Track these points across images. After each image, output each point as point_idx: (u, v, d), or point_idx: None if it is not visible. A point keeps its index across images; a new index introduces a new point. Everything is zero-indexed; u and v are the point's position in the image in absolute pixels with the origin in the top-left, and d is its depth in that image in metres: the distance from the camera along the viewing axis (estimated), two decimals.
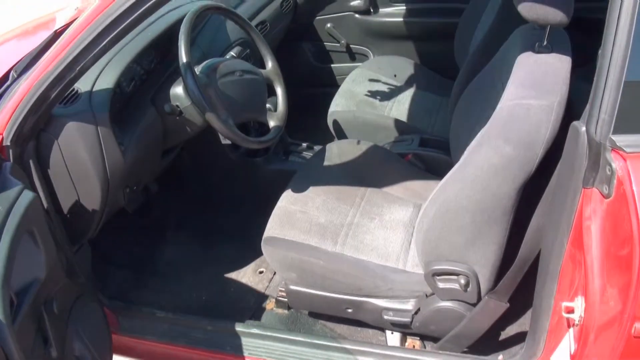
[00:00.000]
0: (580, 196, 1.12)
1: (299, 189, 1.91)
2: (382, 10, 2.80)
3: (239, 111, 1.75)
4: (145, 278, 2.24)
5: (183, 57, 1.61)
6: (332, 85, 3.07)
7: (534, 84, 1.28)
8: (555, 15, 1.22)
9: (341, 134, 2.42)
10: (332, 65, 3.07)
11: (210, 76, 1.69)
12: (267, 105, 2.05)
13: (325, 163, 2.05)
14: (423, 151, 2.11)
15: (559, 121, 1.26)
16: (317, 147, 2.45)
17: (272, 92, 1.97)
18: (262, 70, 1.92)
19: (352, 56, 3.01)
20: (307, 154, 2.42)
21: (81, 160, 1.59)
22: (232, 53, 2.01)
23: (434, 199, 1.44)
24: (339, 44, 2.96)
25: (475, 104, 1.76)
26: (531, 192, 1.36)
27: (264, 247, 1.75)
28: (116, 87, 1.70)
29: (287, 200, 1.87)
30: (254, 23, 2.43)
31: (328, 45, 3.01)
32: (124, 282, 2.23)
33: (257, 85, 1.84)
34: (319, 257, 1.67)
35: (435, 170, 2.07)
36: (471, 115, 1.76)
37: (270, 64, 1.96)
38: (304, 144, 2.47)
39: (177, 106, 1.74)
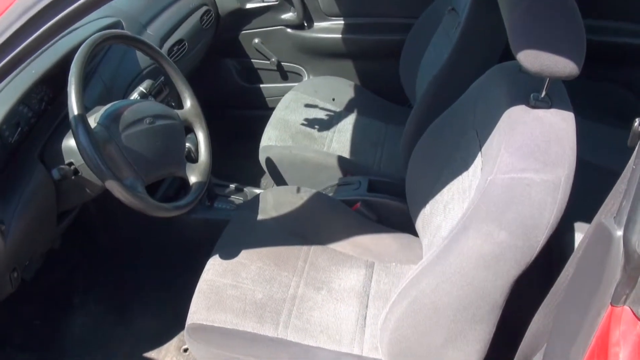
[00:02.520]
0: (605, 313, 0.87)
1: (228, 253, 1.61)
2: (317, 24, 2.51)
3: (151, 169, 1.43)
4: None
5: (74, 108, 1.27)
6: (262, 107, 2.78)
7: (534, 152, 1.03)
8: (565, 67, 0.98)
9: (276, 174, 2.12)
10: (261, 85, 2.76)
11: (111, 128, 1.36)
12: (188, 145, 1.74)
13: (260, 217, 1.75)
14: (373, 197, 1.84)
15: (566, 200, 1.01)
16: (247, 189, 2.15)
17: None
18: (179, 111, 1.60)
19: (284, 75, 2.72)
20: (237, 198, 2.11)
21: None
22: (141, 88, 1.67)
23: (404, 294, 1.17)
24: (268, 62, 2.66)
25: (438, 151, 1.52)
26: (524, 277, 1.11)
27: (188, 340, 1.44)
28: None
29: (215, 270, 1.57)
30: (169, 43, 2.11)
31: (256, 62, 2.70)
32: None
33: (173, 133, 1.52)
34: (257, 355, 1.37)
35: (387, 219, 1.83)
36: (434, 165, 1.51)
37: (188, 102, 1.64)
38: (232, 185, 2.17)
39: (71, 164, 1.40)
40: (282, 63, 2.67)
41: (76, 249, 2.11)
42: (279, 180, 2.14)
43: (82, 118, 1.27)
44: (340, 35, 2.47)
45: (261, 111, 2.71)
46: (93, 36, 1.37)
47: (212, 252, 1.65)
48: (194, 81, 2.81)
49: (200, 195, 1.53)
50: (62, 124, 1.52)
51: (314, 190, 1.82)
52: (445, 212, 1.37)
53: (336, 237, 1.71)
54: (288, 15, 2.50)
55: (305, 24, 2.51)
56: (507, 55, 1.44)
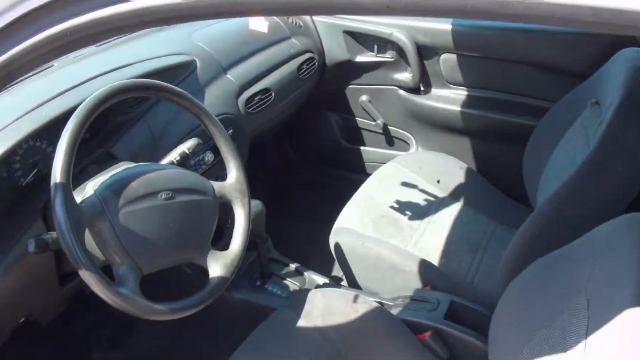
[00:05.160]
0: None
1: None
2: (434, 91, 2.16)
3: (154, 256, 1.15)
4: None
5: (57, 173, 1.03)
6: (359, 171, 2.48)
7: None
8: None
9: (344, 263, 1.79)
10: (362, 147, 2.45)
11: (109, 201, 1.10)
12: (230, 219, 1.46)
13: (301, 322, 1.44)
14: (449, 327, 1.45)
15: None
16: (307, 275, 1.83)
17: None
18: (217, 184, 1.31)
19: (390, 141, 2.38)
20: (293, 283, 1.80)
21: None
22: (183, 149, 1.40)
23: None
24: (374, 123, 2.34)
25: (537, 303, 1.12)
26: None
27: None
28: None
29: None
30: (251, 92, 1.86)
31: (360, 121, 2.40)
32: None
33: (198, 211, 1.24)
34: None
35: None
36: (528, 319, 1.13)
37: (233, 174, 1.35)
38: (292, 266, 1.85)
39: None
40: (389, 127, 2.34)
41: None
42: (347, 271, 1.80)
43: (63, 187, 1.02)
44: (459, 108, 2.10)
45: (356, 175, 2.42)
46: (103, 89, 1.12)
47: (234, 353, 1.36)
48: (290, 131, 2.60)
49: (216, 296, 1.22)
50: (77, 176, 1.30)
51: (374, 303, 1.47)
52: None
53: None
54: (403, 76, 2.17)
55: (422, 89, 2.17)
56: None
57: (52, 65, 1.56)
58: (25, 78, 1.46)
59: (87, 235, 1.11)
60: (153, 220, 1.14)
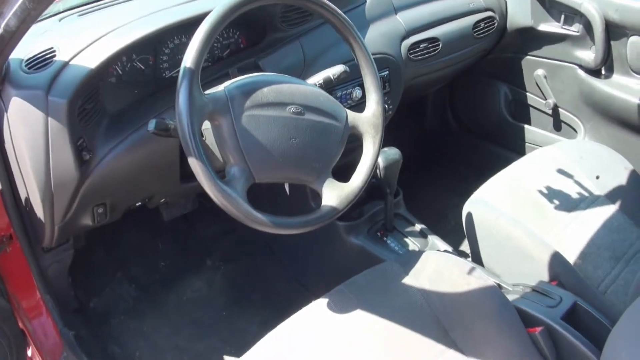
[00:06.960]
0: None
1: (339, 304, 1.28)
2: (616, 77, 1.93)
3: (269, 166, 1.14)
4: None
5: (189, 58, 1.04)
6: (514, 150, 2.35)
7: None
8: None
9: (472, 238, 1.70)
10: (526, 126, 2.29)
11: (236, 100, 1.10)
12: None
13: (407, 279, 1.38)
14: (563, 329, 1.32)
15: None
16: (431, 239, 1.75)
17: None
18: (352, 114, 1.27)
19: (557, 124, 2.20)
20: (413, 243, 1.74)
21: (21, 151, 1.18)
22: (329, 74, 1.37)
23: None
24: (544, 102, 2.18)
25: None
26: None
27: None
28: (127, 64, 1.34)
29: (302, 324, 1.26)
30: (417, 38, 1.81)
31: (530, 98, 2.24)
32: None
33: (326, 135, 1.20)
34: None
35: None
36: None
37: (371, 107, 1.30)
38: (419, 226, 1.79)
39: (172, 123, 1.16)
40: (559, 109, 2.16)
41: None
42: (474, 246, 1.71)
43: (191, 73, 1.03)
44: (639, 101, 1.88)
45: (511, 154, 2.30)
46: None
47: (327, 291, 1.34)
48: (453, 95, 2.50)
49: (321, 224, 1.19)
50: (219, 79, 1.32)
51: (491, 282, 1.37)
52: None
53: (486, 355, 1.26)
54: (585, 54, 1.97)
55: (602, 72, 1.96)
56: None
57: None
58: None
59: (210, 136, 1.13)
60: (276, 130, 1.13)
